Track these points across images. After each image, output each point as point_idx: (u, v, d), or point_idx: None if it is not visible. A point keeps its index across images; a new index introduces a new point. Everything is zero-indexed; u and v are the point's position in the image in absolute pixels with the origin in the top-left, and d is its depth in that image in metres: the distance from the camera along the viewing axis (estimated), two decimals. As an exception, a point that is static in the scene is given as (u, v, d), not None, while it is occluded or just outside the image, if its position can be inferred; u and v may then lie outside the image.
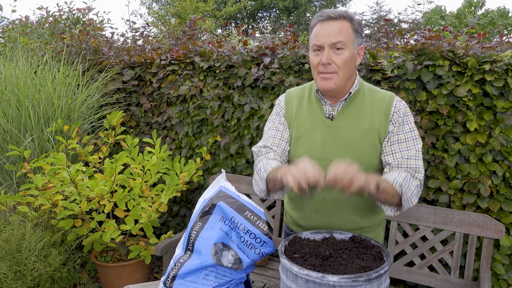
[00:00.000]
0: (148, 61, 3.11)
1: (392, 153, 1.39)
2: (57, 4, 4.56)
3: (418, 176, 1.36)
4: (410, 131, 1.40)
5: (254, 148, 1.57)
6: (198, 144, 2.97)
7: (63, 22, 4.50)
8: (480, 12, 9.48)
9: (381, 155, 1.42)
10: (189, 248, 1.38)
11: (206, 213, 1.38)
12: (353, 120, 1.42)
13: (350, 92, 1.41)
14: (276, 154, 1.49)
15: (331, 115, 1.44)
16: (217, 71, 2.82)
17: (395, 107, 1.40)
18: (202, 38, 3.75)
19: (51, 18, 4.38)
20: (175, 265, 1.37)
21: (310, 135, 1.45)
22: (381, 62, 2.37)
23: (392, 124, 1.39)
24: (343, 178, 1.12)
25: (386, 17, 3.21)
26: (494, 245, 2.21)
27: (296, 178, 1.13)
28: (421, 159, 1.38)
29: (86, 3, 4.62)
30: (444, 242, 2.23)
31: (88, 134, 3.14)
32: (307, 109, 1.49)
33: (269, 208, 2.63)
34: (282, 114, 1.54)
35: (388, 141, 1.40)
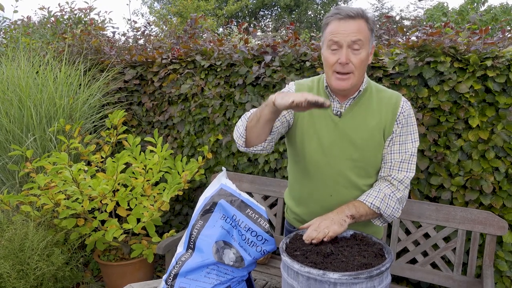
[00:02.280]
0: (149, 60, 3.11)
1: (392, 153, 1.43)
2: (59, 4, 4.57)
3: (405, 180, 1.42)
4: (412, 133, 1.44)
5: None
6: (199, 143, 2.97)
7: (64, 22, 4.51)
8: (482, 8, 9.42)
9: (382, 151, 1.45)
10: (191, 246, 1.38)
11: (207, 211, 1.38)
12: (361, 118, 1.42)
13: (360, 91, 1.42)
14: None
15: (339, 112, 1.44)
16: (218, 70, 2.82)
17: (402, 107, 1.43)
18: (203, 37, 3.75)
19: (52, 18, 4.39)
20: (176, 263, 1.38)
21: (318, 132, 1.45)
22: (382, 59, 2.36)
23: (397, 124, 1.42)
24: (318, 236, 1.23)
25: (388, 14, 3.20)
26: (497, 242, 2.21)
27: (303, 96, 1.16)
28: (414, 162, 1.44)
29: (88, 3, 4.63)
30: (446, 239, 2.22)
31: (90, 134, 3.14)
32: None
33: (271, 206, 2.63)
34: None
35: (391, 140, 1.43)
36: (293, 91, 1.53)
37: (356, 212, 1.34)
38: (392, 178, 1.42)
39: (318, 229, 1.25)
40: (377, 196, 1.38)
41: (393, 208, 1.40)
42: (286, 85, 2.51)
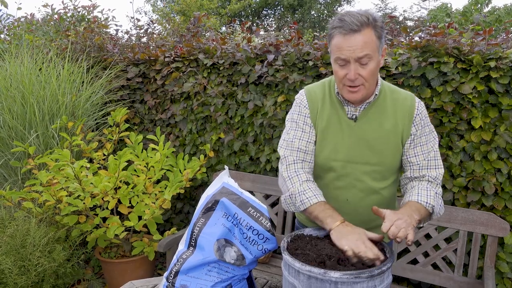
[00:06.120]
0: (152, 58, 3.12)
1: (415, 155, 1.42)
2: (62, 2, 4.57)
3: (439, 177, 1.42)
4: (431, 132, 1.45)
5: (285, 153, 1.47)
6: (201, 141, 2.98)
7: (68, 19, 4.52)
8: (486, 9, 9.39)
9: (403, 155, 1.44)
10: (192, 244, 1.38)
11: (209, 209, 1.38)
12: (376, 121, 1.41)
13: (376, 94, 1.40)
14: (305, 161, 1.44)
15: (354, 116, 1.43)
16: (221, 68, 2.82)
17: (417, 109, 1.42)
18: (206, 35, 3.75)
19: (56, 16, 4.40)
20: (178, 260, 1.38)
21: (334, 137, 1.43)
22: (385, 59, 2.36)
23: (415, 126, 1.41)
24: (399, 234, 1.16)
25: (391, 15, 3.19)
26: (499, 243, 2.20)
27: (356, 250, 1.16)
28: (440, 157, 1.44)
29: (91, 1, 4.63)
30: (448, 240, 2.22)
31: (92, 131, 3.15)
32: (329, 109, 1.46)
33: (272, 205, 2.63)
34: (306, 114, 1.48)
35: (411, 143, 1.42)
36: (306, 103, 1.49)
37: (420, 216, 1.28)
38: (429, 176, 1.41)
39: (398, 227, 1.18)
40: (429, 195, 1.34)
41: (440, 205, 1.38)
42: (288, 84, 2.53)
